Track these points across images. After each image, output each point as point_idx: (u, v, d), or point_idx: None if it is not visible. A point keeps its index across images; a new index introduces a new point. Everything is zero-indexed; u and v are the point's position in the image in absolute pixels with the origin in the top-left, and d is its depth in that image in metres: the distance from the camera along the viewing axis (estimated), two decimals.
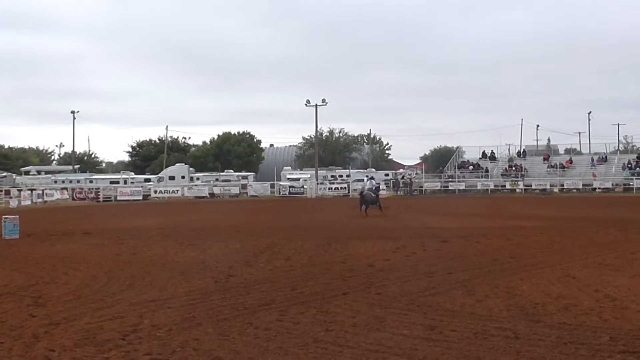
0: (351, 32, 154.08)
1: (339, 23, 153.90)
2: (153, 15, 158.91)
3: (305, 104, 69.92)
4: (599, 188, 57.19)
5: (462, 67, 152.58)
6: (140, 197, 56.72)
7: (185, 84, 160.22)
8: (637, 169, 58.74)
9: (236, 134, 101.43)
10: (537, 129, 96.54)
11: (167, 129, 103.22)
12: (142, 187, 61.30)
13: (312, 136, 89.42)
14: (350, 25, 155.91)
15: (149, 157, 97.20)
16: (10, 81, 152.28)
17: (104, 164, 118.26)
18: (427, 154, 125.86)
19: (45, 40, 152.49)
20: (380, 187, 36.46)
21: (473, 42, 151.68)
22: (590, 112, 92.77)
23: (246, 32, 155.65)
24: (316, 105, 69.66)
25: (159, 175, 75.65)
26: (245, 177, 73.83)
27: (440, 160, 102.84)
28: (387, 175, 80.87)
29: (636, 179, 57.03)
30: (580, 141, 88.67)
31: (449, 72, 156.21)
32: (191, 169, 78.53)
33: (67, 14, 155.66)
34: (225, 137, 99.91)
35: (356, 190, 48.34)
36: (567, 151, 73.78)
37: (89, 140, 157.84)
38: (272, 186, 62.57)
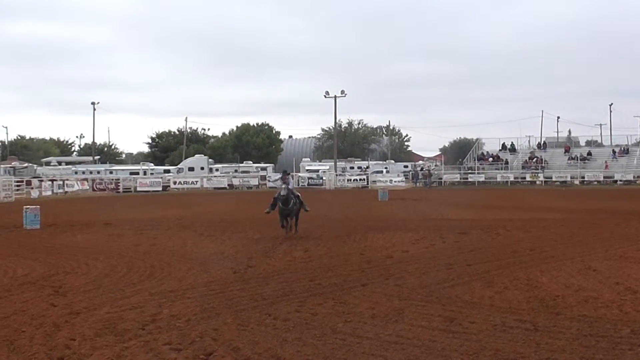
0: (378, 23, 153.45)
1: (367, 14, 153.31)
2: (175, 4, 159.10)
3: (325, 96, 69.81)
4: (620, 180, 56.63)
5: (481, 58, 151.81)
6: (160, 188, 57.02)
7: (204, 75, 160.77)
8: None
9: (255, 125, 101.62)
10: (557, 121, 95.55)
11: (186, 120, 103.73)
12: (161, 178, 61.65)
13: (331, 127, 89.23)
14: (378, 16, 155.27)
15: (168, 148, 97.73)
16: (30, 72, 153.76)
17: (123, 155, 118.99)
18: (447, 145, 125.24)
19: (66, 31, 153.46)
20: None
21: (494, 32, 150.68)
22: (612, 103, 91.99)
23: (270, 23, 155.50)
24: (335, 97, 69.52)
25: (179, 166, 76.13)
26: (264, 169, 73.98)
27: (459, 152, 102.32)
28: (406, 167, 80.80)
29: None
30: (601, 133, 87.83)
31: (469, 63, 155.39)
32: (210, 160, 78.90)
33: (89, 4, 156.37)
34: (244, 129, 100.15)
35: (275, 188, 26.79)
36: (588, 143, 73.00)
37: (109, 131, 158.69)
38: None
